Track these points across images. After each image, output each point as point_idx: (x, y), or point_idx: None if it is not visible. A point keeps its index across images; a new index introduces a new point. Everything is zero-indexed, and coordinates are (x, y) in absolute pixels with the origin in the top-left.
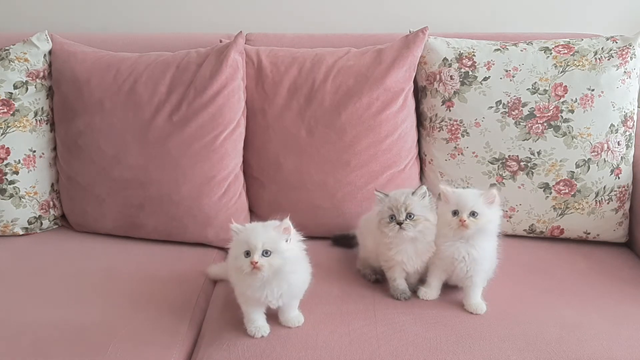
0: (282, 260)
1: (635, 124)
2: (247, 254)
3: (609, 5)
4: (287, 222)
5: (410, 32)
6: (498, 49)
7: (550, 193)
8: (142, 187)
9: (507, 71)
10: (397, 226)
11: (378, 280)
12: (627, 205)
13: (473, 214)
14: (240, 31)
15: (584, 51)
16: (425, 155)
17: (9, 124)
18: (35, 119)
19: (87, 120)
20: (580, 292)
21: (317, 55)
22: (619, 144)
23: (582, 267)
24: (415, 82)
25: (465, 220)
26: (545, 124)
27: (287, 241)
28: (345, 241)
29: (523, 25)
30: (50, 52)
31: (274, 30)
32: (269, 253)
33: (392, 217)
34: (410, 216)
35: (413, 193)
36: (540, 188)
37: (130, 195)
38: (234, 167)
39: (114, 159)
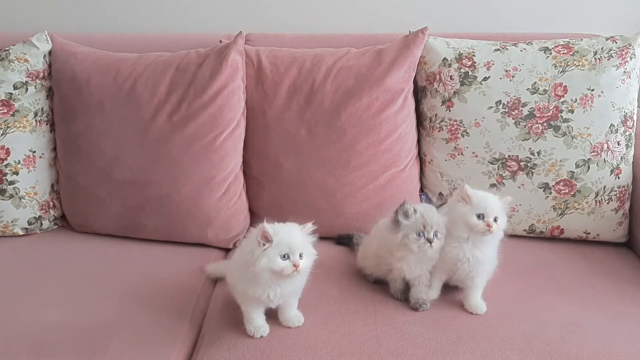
0: (311, 262)
1: (635, 124)
2: (285, 256)
3: (609, 5)
4: (311, 225)
5: (410, 32)
6: (498, 49)
7: (550, 193)
8: (142, 188)
9: (506, 71)
10: (428, 243)
11: (377, 281)
12: (627, 205)
13: (495, 219)
14: (240, 31)
15: (584, 51)
16: (425, 156)
17: (9, 125)
18: (35, 120)
19: (87, 121)
20: (580, 291)
21: (317, 55)
22: (618, 144)
23: (582, 267)
24: (415, 82)
25: (492, 226)
26: (545, 124)
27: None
28: (348, 241)
29: (523, 25)
30: (50, 53)
31: (274, 30)
32: (302, 255)
33: (421, 234)
34: (436, 234)
35: (437, 209)
36: (540, 188)
37: (130, 196)
38: (234, 167)
39: (113, 159)
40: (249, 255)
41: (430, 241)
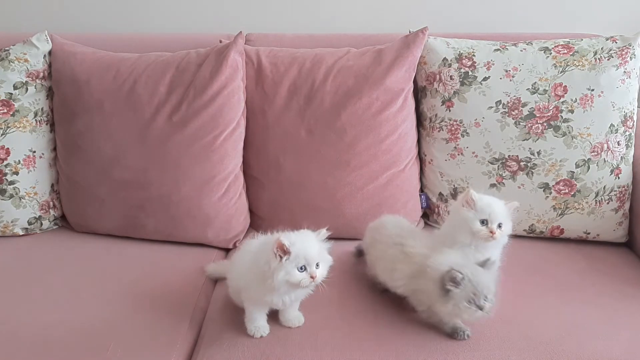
0: (327, 269)
1: (635, 124)
2: (302, 268)
3: (609, 5)
4: (325, 232)
5: (410, 32)
6: (498, 49)
7: (550, 193)
8: (142, 188)
9: (506, 71)
10: (479, 310)
11: (387, 290)
12: (627, 205)
13: (499, 225)
14: (240, 31)
15: (584, 51)
16: (425, 156)
17: (9, 125)
18: (35, 120)
19: (86, 121)
20: (580, 291)
21: (317, 55)
22: (618, 144)
23: (582, 267)
24: (415, 82)
25: (495, 232)
26: (545, 124)
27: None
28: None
29: (523, 25)
30: (50, 53)
31: (274, 30)
32: (318, 265)
33: (472, 301)
34: (486, 298)
35: (483, 267)
36: (540, 188)
37: (130, 196)
38: (234, 167)
39: (113, 159)
40: (265, 267)
41: (481, 308)
